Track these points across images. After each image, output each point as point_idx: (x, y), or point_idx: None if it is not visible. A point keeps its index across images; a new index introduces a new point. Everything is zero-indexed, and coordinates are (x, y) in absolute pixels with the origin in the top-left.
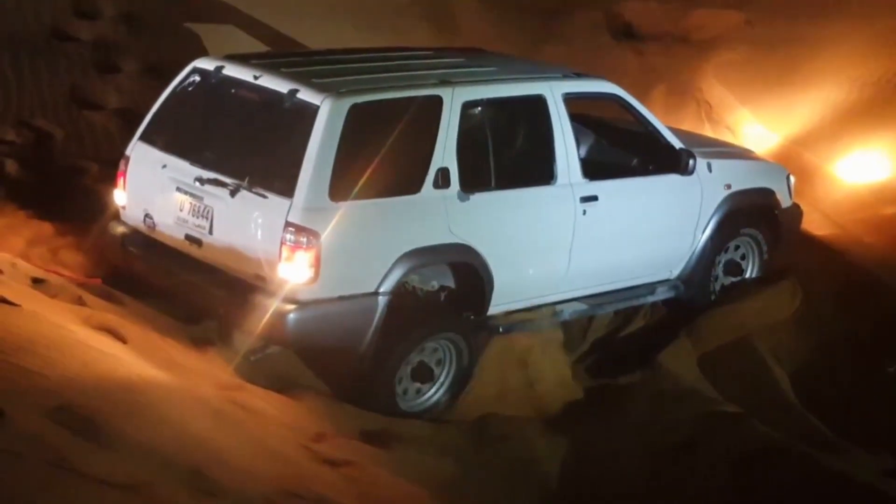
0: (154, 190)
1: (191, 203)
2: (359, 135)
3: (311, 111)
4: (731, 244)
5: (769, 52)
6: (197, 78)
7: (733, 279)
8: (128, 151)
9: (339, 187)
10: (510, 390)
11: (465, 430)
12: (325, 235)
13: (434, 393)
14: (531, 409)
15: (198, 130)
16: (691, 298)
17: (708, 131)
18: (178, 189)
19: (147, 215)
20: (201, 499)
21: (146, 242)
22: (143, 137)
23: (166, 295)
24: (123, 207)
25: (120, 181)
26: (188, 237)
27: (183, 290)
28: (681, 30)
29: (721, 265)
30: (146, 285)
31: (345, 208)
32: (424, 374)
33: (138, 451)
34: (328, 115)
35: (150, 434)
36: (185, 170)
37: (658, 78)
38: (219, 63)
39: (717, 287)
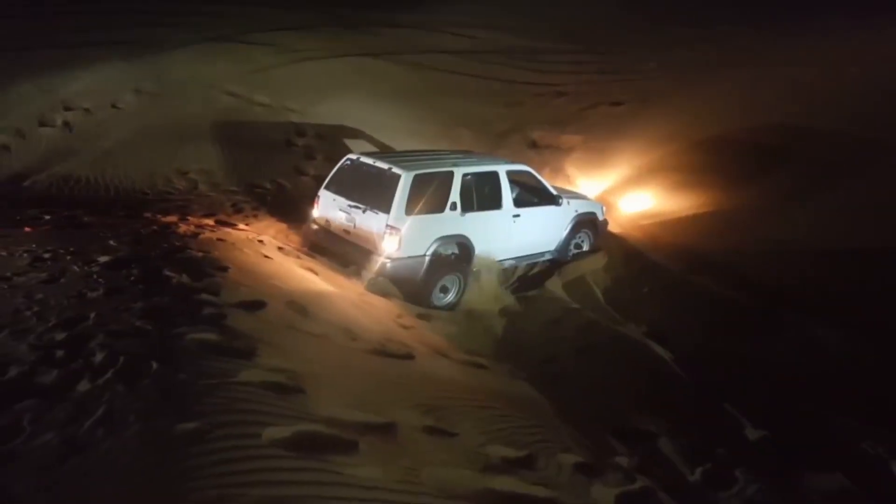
0: (330, 208)
1: (346, 215)
2: (418, 187)
3: (398, 176)
4: (577, 235)
5: (596, 153)
6: (348, 162)
7: (577, 251)
8: (319, 193)
9: (409, 209)
10: (481, 298)
11: (461, 314)
12: (404, 230)
13: (450, 298)
14: (492, 306)
15: (348, 184)
16: (560, 259)
17: (568, 187)
18: (340, 209)
19: (326, 220)
20: (350, 341)
21: (325, 231)
22: (325, 187)
23: (333, 256)
24: (315, 216)
25: (315, 204)
26: (344, 230)
27: (340, 253)
28: (557, 143)
29: (573, 245)
30: (324, 251)
31: (412, 218)
32: (446, 289)
33: (324, 321)
34: (404, 178)
35: (328, 314)
36: (344, 201)
37: (546, 164)
38: (357, 155)
39: (571, 255)
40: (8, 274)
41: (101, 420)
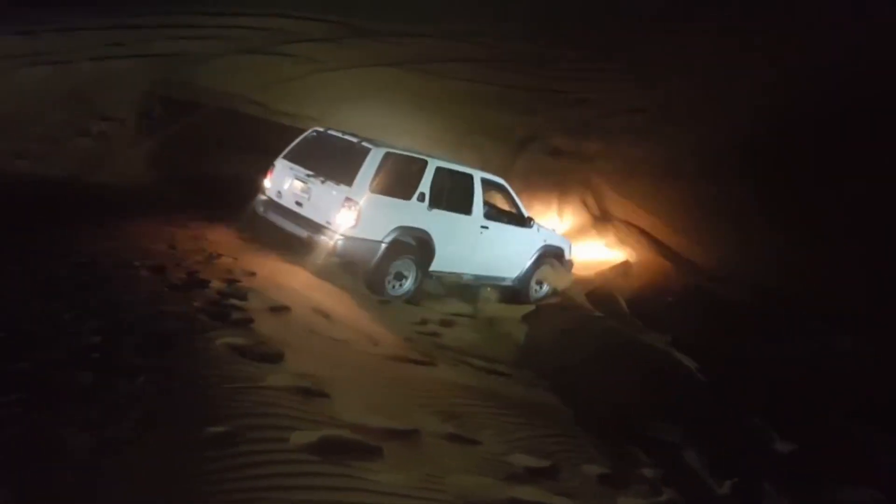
0: (284, 179)
1: (301, 185)
2: (387, 166)
3: (367, 150)
4: (540, 269)
5: (620, 161)
6: (314, 133)
7: (537, 290)
8: (274, 162)
9: (373, 186)
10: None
11: (482, 321)
12: (364, 206)
13: (407, 286)
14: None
15: (310, 155)
16: (520, 290)
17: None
18: (296, 178)
19: (278, 191)
20: (372, 346)
21: (274, 204)
22: (283, 156)
23: (277, 233)
24: (266, 186)
25: (268, 174)
26: (296, 202)
27: (287, 230)
28: (579, 150)
29: (535, 280)
30: (266, 230)
31: (375, 196)
32: (401, 276)
33: (346, 326)
34: (373, 153)
35: (351, 320)
36: (301, 170)
37: (565, 170)
38: (325, 128)
39: (533, 294)
40: (49, 276)
41: (134, 422)
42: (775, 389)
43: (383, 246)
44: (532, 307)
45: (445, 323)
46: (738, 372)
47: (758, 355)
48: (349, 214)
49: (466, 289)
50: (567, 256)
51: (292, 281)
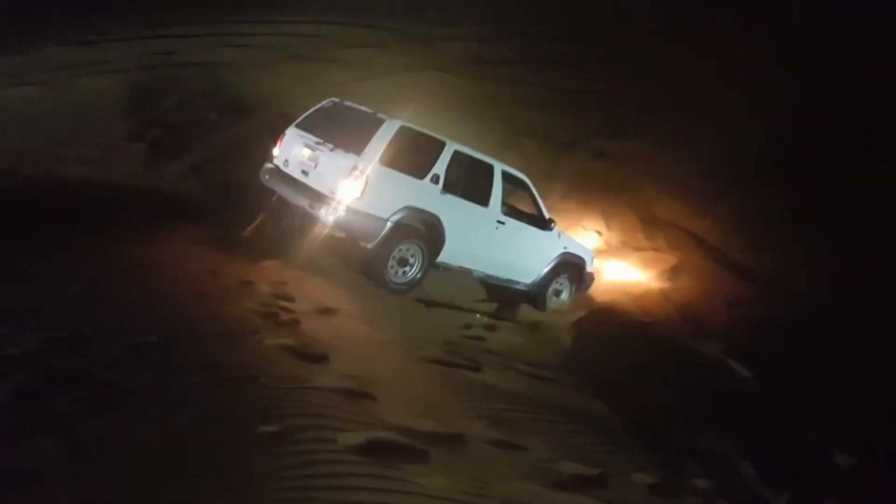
0: (293, 147)
1: (309, 153)
2: (401, 140)
3: (382, 121)
4: (558, 278)
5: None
6: (330, 103)
7: (555, 300)
8: (286, 131)
9: (384, 158)
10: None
11: (527, 325)
12: (371, 177)
13: (412, 274)
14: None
15: (322, 123)
16: (535, 297)
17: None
18: (305, 145)
19: (286, 159)
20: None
21: (279, 173)
22: (295, 125)
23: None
24: (274, 154)
25: (278, 143)
26: (302, 171)
27: (292, 193)
28: (625, 152)
29: (552, 289)
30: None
31: (384, 169)
32: (405, 262)
33: (391, 329)
34: (388, 124)
35: (395, 322)
36: (311, 138)
37: (611, 172)
38: (340, 101)
39: (549, 304)
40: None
41: (190, 419)
42: (834, 400)
43: (389, 224)
44: (581, 313)
45: (489, 327)
46: (795, 382)
47: (815, 365)
48: (354, 184)
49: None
50: (588, 268)
51: (335, 283)
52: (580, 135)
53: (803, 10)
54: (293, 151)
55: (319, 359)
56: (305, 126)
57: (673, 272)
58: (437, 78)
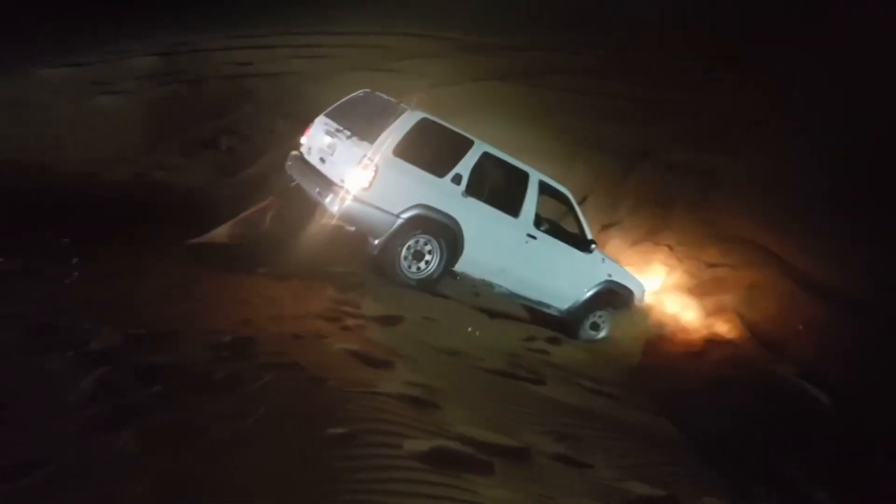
0: (317, 135)
1: (329, 140)
2: (422, 133)
3: (402, 111)
4: (598, 311)
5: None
6: (362, 93)
7: (592, 334)
8: (316, 120)
9: (399, 150)
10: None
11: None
12: (383, 169)
13: (429, 270)
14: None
15: (349, 112)
16: (566, 326)
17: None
18: (327, 133)
19: (309, 147)
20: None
21: (301, 160)
22: (324, 113)
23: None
24: (301, 142)
25: (306, 131)
26: (320, 158)
27: (306, 181)
28: (698, 165)
29: (590, 322)
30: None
31: (399, 161)
32: (420, 256)
33: (455, 338)
34: (408, 115)
35: (459, 332)
36: (334, 125)
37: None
38: (371, 91)
39: (585, 335)
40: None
41: (264, 417)
42: None
43: (399, 222)
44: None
45: (553, 340)
46: (875, 409)
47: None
48: (363, 174)
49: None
50: (637, 303)
51: (398, 290)
52: (651, 145)
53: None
54: (316, 139)
55: (385, 365)
56: (332, 114)
57: (748, 291)
58: (499, 88)
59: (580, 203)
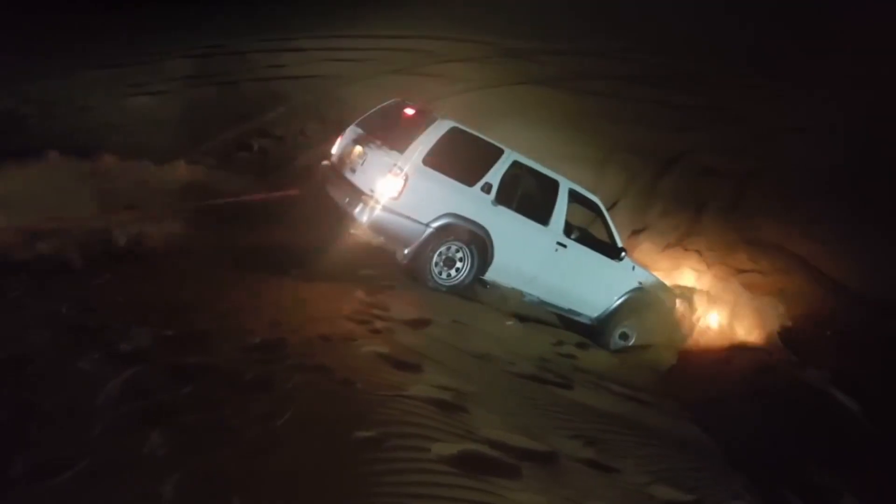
0: (348, 143)
1: (359, 149)
2: (452, 142)
3: (433, 119)
4: (626, 321)
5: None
6: (393, 102)
7: (624, 342)
8: (347, 129)
9: (429, 159)
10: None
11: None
12: (412, 178)
13: (461, 277)
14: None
15: (380, 121)
16: (596, 334)
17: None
18: (356, 142)
19: (340, 156)
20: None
21: (332, 169)
22: (356, 122)
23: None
24: (332, 154)
25: (339, 138)
26: (351, 169)
27: (336, 190)
28: (734, 170)
29: (618, 333)
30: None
31: (428, 171)
32: (452, 263)
33: (484, 342)
34: (438, 124)
35: (488, 335)
36: (364, 134)
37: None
38: (403, 100)
39: (613, 345)
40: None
41: (294, 419)
42: None
43: (429, 231)
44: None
45: (581, 345)
46: None
47: None
48: (393, 183)
49: None
50: (668, 310)
51: (426, 294)
52: (686, 151)
53: None
54: (346, 148)
55: (413, 368)
56: (363, 124)
57: (776, 296)
58: (534, 92)
59: (610, 208)
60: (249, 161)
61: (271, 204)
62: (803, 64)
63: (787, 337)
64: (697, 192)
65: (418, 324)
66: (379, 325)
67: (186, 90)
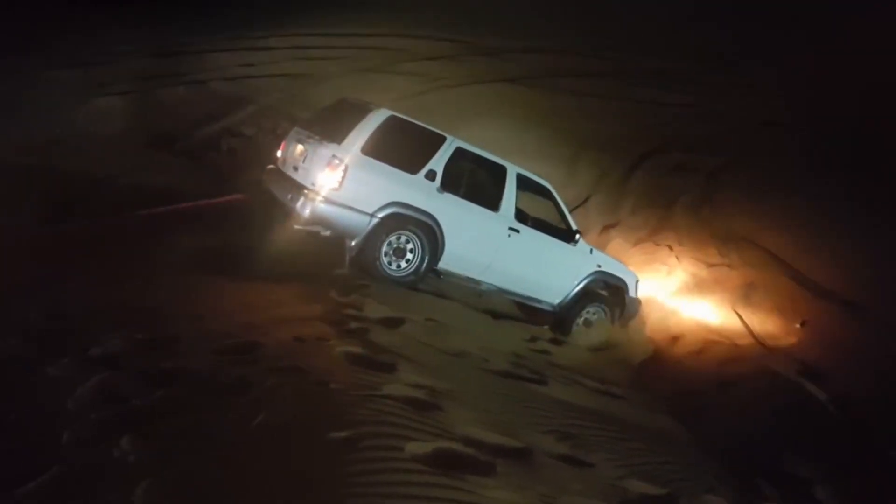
0: (291, 143)
1: (301, 147)
2: (391, 131)
3: (370, 109)
4: (590, 305)
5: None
6: (335, 102)
7: (587, 329)
8: (291, 131)
9: (368, 148)
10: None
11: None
12: (352, 168)
13: (412, 267)
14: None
15: (322, 119)
16: (558, 322)
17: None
18: (298, 141)
19: (284, 158)
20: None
21: (276, 171)
22: (299, 123)
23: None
24: (277, 157)
25: (282, 145)
26: (293, 167)
27: (280, 189)
28: (703, 166)
29: (582, 318)
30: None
31: (368, 160)
32: (402, 253)
33: (458, 339)
34: (376, 114)
35: (462, 333)
36: (305, 133)
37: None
38: (346, 98)
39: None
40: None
41: (268, 421)
42: None
43: (374, 221)
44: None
45: (555, 341)
46: (874, 404)
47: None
48: (332, 174)
49: None
50: (631, 293)
51: (401, 293)
52: (656, 147)
53: None
54: (289, 150)
55: (388, 367)
56: (306, 124)
57: (746, 290)
58: (505, 90)
59: (582, 204)
60: (219, 162)
61: (220, 209)
62: (776, 60)
63: (756, 329)
64: (669, 187)
65: (392, 322)
66: (353, 325)
67: (154, 90)
